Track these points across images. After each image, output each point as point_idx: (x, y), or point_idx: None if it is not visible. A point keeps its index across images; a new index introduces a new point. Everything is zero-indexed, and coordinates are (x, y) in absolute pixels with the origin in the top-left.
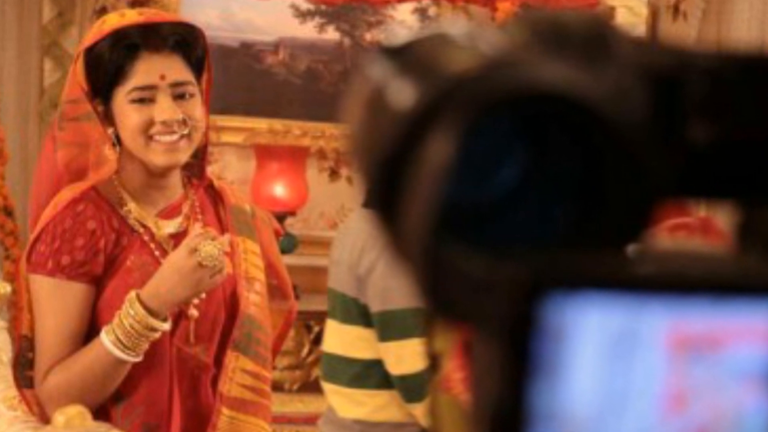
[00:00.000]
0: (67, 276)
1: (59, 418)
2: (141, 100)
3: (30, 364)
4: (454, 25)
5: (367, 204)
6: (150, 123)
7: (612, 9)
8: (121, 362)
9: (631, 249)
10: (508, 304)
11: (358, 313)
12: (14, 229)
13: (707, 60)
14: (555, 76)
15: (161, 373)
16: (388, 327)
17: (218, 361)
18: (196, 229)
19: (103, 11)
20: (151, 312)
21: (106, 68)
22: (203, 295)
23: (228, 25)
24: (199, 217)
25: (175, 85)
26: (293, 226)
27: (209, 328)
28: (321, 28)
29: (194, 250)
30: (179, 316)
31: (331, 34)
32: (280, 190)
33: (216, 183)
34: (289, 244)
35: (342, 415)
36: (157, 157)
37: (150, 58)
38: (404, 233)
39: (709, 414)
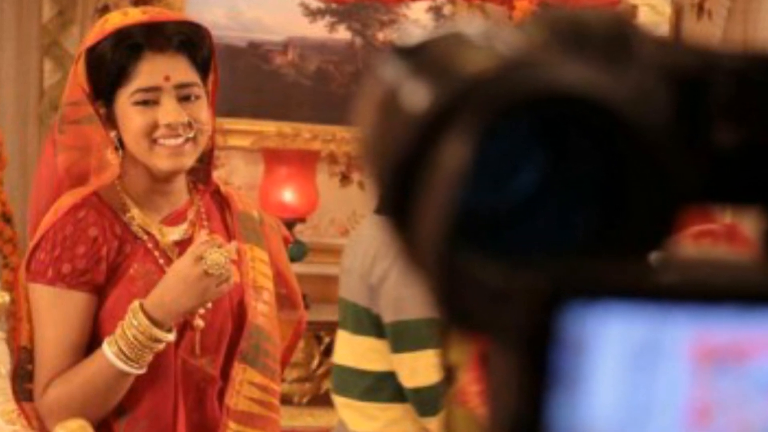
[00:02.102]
0: (67, 285)
1: None
2: (145, 102)
3: (29, 376)
4: (470, 24)
5: (380, 210)
6: (154, 126)
7: (634, 7)
8: (124, 374)
9: (654, 257)
10: (527, 314)
11: (370, 324)
12: (13, 236)
13: (733, 60)
14: (575, 77)
15: (166, 386)
16: (402, 338)
17: (225, 374)
18: (202, 236)
19: (105, 10)
20: (155, 322)
21: (108, 69)
22: (209, 305)
23: (235, 24)
24: (205, 223)
25: (180, 86)
26: (303, 233)
27: (215, 339)
28: (332, 27)
29: (200, 258)
30: (184, 327)
31: (342, 34)
32: (289, 195)
33: (222, 188)
34: (298, 252)
35: (353, 429)
36: (162, 162)
37: (154, 58)
38: (418, 240)
39: (734, 428)
